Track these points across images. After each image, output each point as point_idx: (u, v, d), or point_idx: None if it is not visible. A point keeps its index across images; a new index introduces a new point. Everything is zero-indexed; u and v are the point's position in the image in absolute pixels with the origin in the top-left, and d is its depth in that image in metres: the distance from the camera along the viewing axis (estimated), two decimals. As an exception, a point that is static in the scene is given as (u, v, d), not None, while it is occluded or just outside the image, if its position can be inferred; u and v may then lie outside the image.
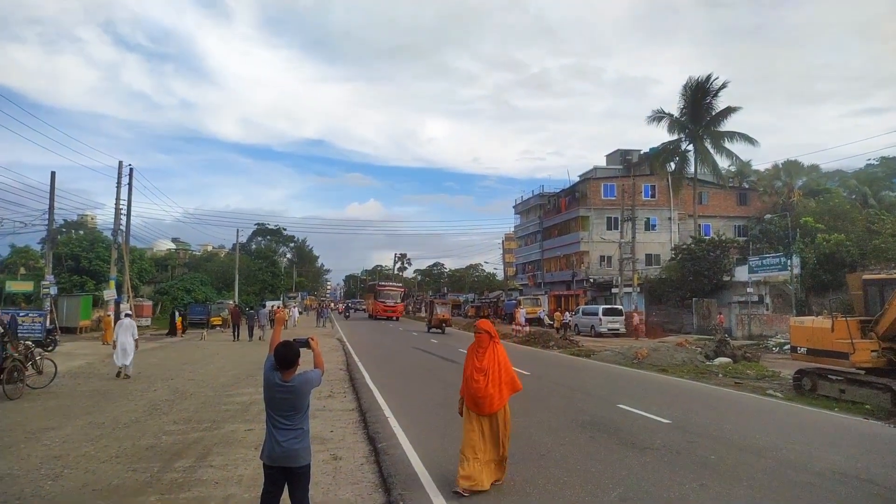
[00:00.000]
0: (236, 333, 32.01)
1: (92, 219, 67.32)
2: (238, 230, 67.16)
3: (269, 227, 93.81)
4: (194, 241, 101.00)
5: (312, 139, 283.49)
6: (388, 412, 10.92)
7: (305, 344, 4.86)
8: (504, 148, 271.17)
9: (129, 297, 34.55)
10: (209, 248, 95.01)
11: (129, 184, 35.02)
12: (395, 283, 70.99)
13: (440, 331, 38.77)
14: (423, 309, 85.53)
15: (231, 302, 49.37)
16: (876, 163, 57.39)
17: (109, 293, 32.70)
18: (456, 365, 18.06)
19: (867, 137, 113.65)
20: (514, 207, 74.10)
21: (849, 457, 8.11)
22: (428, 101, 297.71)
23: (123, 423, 9.84)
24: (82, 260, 43.19)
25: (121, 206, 34.67)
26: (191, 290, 53.79)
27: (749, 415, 11.44)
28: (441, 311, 40.62)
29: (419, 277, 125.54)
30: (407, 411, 11.08)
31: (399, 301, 60.30)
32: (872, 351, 12.52)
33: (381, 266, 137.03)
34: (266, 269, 73.59)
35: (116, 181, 34.65)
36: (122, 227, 35.14)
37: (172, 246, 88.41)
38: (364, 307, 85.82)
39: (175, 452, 7.95)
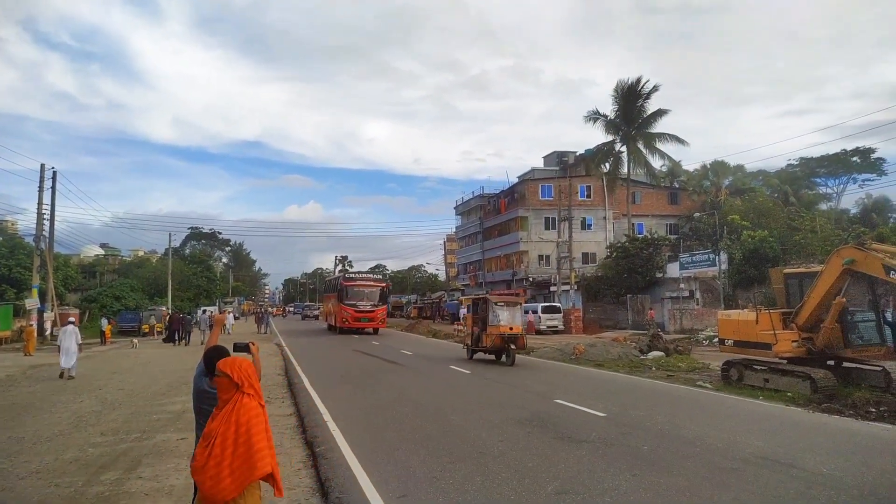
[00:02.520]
0: (175, 339, 31.76)
1: (12, 224, 64.06)
2: (171, 234, 64.95)
3: (204, 230, 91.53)
4: (124, 246, 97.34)
5: (249, 140, 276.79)
6: (326, 416, 10.78)
7: (245, 349, 4.73)
8: (445, 149, 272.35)
9: (52, 305, 32.98)
10: (140, 254, 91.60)
11: (53, 187, 33.60)
12: (370, 277, 44.71)
13: (502, 358, 20.11)
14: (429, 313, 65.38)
15: (164, 308, 47.88)
16: (796, 163, 60.48)
17: (31, 302, 31.13)
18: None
19: (788, 138, 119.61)
20: (455, 208, 74.51)
21: (771, 442, 8.50)
22: (368, 102, 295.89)
23: (46, 437, 9.36)
24: (1, 268, 41.01)
25: (43, 211, 33.17)
26: (121, 296, 51.79)
27: (680, 406, 11.85)
28: (506, 320, 19.77)
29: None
30: (346, 415, 10.97)
31: (379, 303, 38.94)
32: (793, 341, 13.20)
33: (321, 269, 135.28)
34: (201, 273, 71.55)
35: (38, 185, 33.14)
36: (45, 233, 33.59)
37: (101, 252, 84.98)
38: (317, 312, 67.28)
39: (102, 465, 7.62)
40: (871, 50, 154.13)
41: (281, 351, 26.02)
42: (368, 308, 37.74)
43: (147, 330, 41.49)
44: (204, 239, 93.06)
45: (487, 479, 6.80)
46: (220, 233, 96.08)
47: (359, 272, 43.79)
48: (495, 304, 20.13)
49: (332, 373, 18.04)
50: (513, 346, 19.46)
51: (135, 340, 32.23)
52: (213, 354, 4.29)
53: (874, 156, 57.54)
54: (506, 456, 7.81)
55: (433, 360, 21.37)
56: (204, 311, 42.64)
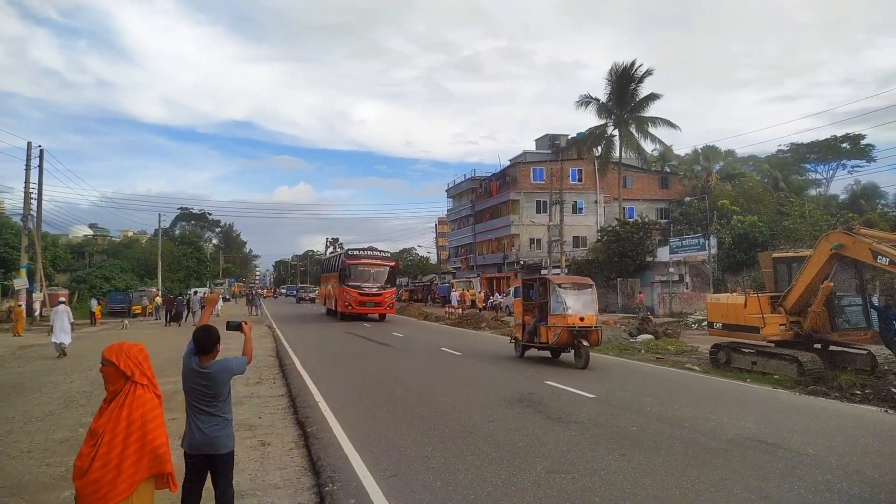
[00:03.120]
0: (168, 319, 32.02)
1: (-1, 203, 63.46)
2: (160, 215, 64.28)
3: (194, 211, 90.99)
4: (113, 226, 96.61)
5: (239, 120, 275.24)
6: (318, 397, 10.81)
7: (238, 327, 4.75)
8: (437, 131, 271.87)
9: (41, 285, 32.79)
10: (130, 234, 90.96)
11: (40, 166, 33.29)
12: (377, 254, 35.61)
13: (560, 357, 16.23)
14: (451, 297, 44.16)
15: (154, 289, 47.71)
16: (786, 148, 60.61)
17: (20, 282, 30.95)
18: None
19: (779, 123, 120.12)
20: (446, 191, 74.37)
21: (758, 423, 8.61)
22: (359, 83, 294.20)
23: (36, 417, 9.34)
24: (-11, 247, 40.66)
25: (31, 190, 32.86)
26: (110, 277, 51.56)
27: (668, 388, 11.97)
28: (575, 308, 14.94)
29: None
30: (338, 396, 11.00)
31: (387, 285, 33.06)
32: (781, 324, 13.33)
33: (312, 251, 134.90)
34: (191, 255, 71.18)
35: (25, 163, 32.78)
36: (33, 212, 33.30)
37: (90, 232, 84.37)
38: (314, 295, 63.48)
39: (93, 445, 7.61)
40: (862, 36, 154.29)
41: (272, 333, 26.02)
42: (375, 290, 32.03)
43: (139, 311, 41.32)
44: (194, 220, 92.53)
45: (478, 458, 6.86)
46: (210, 213, 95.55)
47: (362, 249, 36.16)
48: (559, 286, 15.42)
49: (324, 354, 18.05)
50: (584, 343, 14.72)
51: (125, 321, 32.13)
52: (200, 334, 4.30)
53: (864, 142, 57.82)
54: (496, 436, 7.87)
55: (425, 343, 21.44)
56: (196, 293, 42.51)
